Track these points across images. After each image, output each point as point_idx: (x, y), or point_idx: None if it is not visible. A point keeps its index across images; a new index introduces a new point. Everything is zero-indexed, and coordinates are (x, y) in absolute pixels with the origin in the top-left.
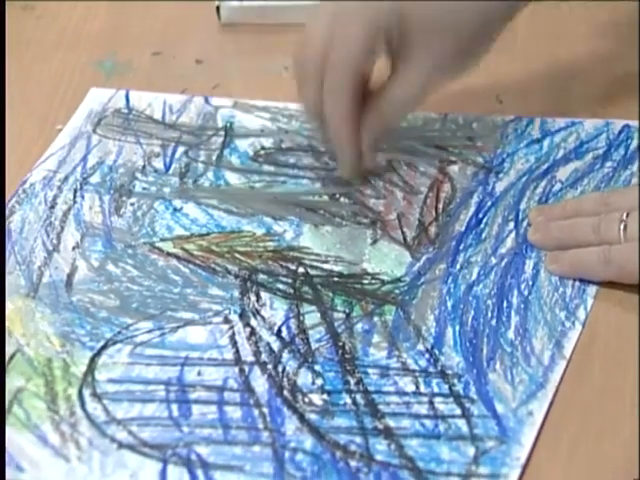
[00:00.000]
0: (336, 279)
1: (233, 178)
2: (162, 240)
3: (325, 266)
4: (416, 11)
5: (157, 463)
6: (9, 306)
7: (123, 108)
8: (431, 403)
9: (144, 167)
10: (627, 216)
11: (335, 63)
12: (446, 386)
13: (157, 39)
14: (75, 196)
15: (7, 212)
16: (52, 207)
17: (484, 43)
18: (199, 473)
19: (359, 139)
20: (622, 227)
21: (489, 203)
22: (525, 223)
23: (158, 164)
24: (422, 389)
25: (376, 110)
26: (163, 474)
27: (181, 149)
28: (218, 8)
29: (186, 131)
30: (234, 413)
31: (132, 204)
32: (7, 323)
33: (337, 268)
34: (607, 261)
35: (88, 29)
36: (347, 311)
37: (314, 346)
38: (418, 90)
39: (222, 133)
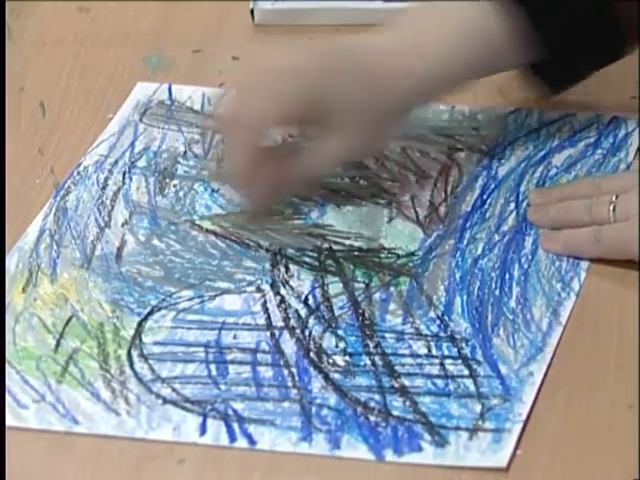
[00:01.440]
0: (356, 253)
1: None
2: (201, 218)
3: (346, 242)
4: (338, 96)
5: (197, 417)
6: (65, 276)
7: (166, 100)
8: (442, 364)
9: (185, 152)
10: (616, 198)
11: (244, 125)
12: (455, 349)
13: (198, 38)
14: (124, 178)
15: (63, 192)
16: (104, 188)
17: (397, 128)
18: (235, 426)
19: (250, 187)
20: (612, 208)
21: (492, 186)
22: (525, 204)
23: (198, 150)
24: (434, 352)
25: (293, 166)
26: (203, 427)
27: (218, 136)
28: (252, 11)
29: None
30: (266, 373)
31: (175, 185)
32: (63, 291)
33: (357, 243)
34: (597, 240)
35: (137, 29)
36: (366, 282)
37: (337, 313)
38: (330, 161)
39: None
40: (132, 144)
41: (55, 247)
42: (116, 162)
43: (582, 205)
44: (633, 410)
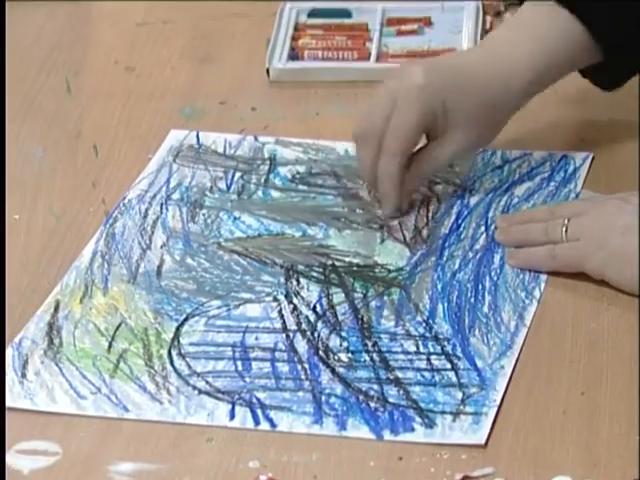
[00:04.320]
0: (355, 268)
1: (277, 195)
2: (226, 240)
3: (347, 259)
4: (459, 105)
5: (227, 405)
6: (114, 289)
7: (195, 144)
8: (428, 360)
9: (211, 187)
10: (568, 221)
11: (393, 138)
12: (439, 347)
13: (223, 92)
14: (162, 208)
15: (111, 220)
16: (145, 216)
17: (505, 122)
18: (258, 412)
19: (400, 189)
20: (564, 230)
21: (465, 213)
22: (493, 227)
23: (221, 185)
24: (421, 349)
25: (418, 168)
26: (232, 413)
27: (238, 174)
28: (268, 70)
29: (241, 161)
30: (283, 368)
31: (203, 214)
32: (113, 302)
33: (355, 260)
34: (552, 256)
35: (173, 85)
36: (364, 292)
37: (340, 318)
38: (449, 158)
39: (268, 162)
40: (168, 181)
41: (106, 265)
42: (155, 195)
43: (539, 227)
44: (585, 396)
